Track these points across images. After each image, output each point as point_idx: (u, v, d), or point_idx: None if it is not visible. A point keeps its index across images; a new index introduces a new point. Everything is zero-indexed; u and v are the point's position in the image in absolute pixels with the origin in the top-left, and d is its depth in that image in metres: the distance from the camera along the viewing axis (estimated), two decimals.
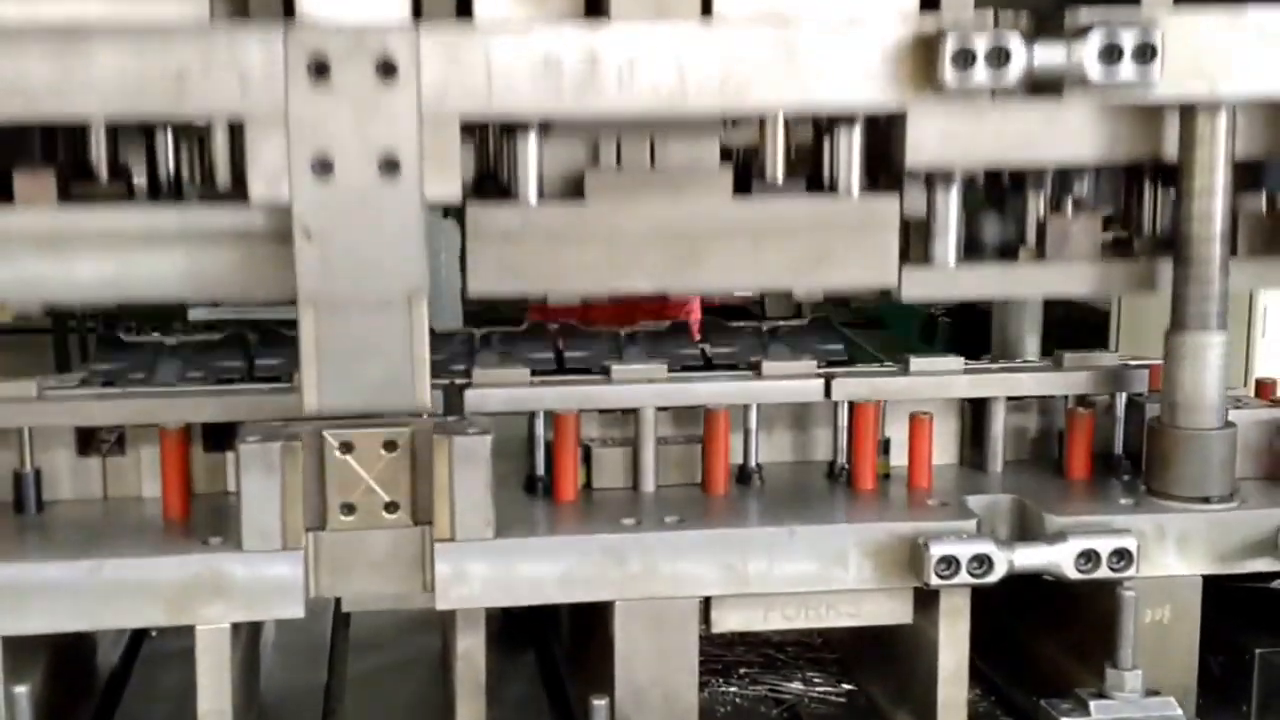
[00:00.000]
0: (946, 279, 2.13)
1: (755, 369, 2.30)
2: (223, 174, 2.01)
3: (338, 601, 2.34)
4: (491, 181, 2.15)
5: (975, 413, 2.40)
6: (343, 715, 2.28)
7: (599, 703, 1.97)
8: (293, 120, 1.83)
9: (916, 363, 2.35)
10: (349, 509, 1.97)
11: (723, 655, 2.48)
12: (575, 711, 2.25)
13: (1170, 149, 2.11)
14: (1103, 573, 2.05)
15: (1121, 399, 2.38)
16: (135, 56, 1.81)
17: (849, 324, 9.22)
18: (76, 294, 1.94)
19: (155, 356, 2.28)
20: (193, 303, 2.07)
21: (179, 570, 1.92)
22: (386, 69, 1.83)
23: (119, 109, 1.85)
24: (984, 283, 2.20)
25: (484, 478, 1.96)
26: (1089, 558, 2.05)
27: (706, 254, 2.04)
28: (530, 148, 1.99)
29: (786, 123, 2.10)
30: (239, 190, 1.92)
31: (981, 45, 1.89)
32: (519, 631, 2.45)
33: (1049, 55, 1.91)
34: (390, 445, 1.97)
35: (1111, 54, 1.92)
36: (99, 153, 2.03)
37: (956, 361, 2.37)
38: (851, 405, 2.26)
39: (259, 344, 2.32)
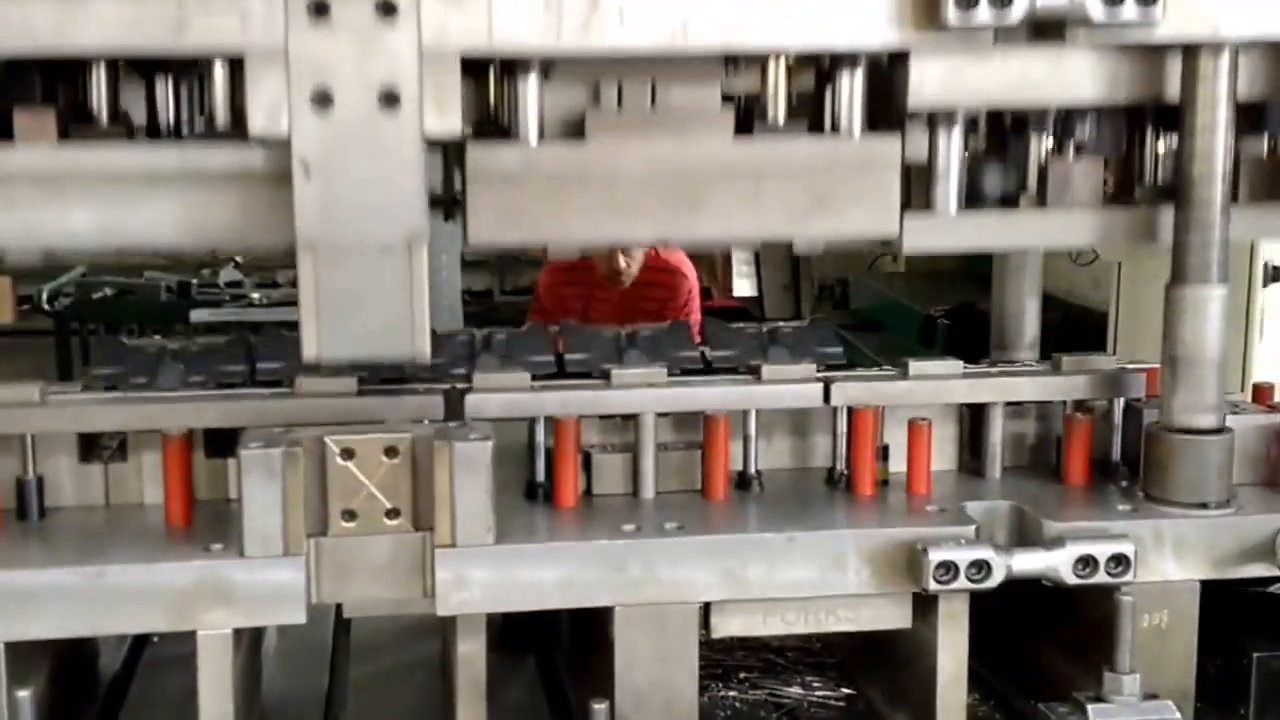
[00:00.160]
0: (947, 227, 2.11)
1: (754, 373, 2.31)
2: (222, 116, 1.97)
3: (338, 607, 2.34)
4: (492, 126, 2.12)
5: (974, 419, 2.41)
6: None
7: (599, 706, 1.98)
8: (293, 57, 1.81)
9: (915, 366, 2.36)
10: (350, 515, 1.98)
11: (722, 660, 2.49)
12: (576, 716, 2.26)
13: (1173, 91, 2.10)
14: (1100, 578, 2.06)
15: (1119, 405, 2.38)
16: None
17: (847, 326, 9.23)
18: (74, 241, 1.91)
19: (157, 360, 2.28)
20: (190, 251, 2.04)
21: (181, 576, 1.93)
22: (387, 8, 1.81)
23: (119, 44, 1.84)
24: (984, 231, 2.17)
25: (485, 484, 1.97)
26: (1086, 563, 2.06)
27: (707, 198, 2.02)
28: (531, 88, 1.97)
29: (788, 68, 2.08)
30: (238, 132, 1.90)
31: None
32: (519, 636, 2.46)
33: None
34: (391, 451, 1.98)
35: None
36: (99, 97, 2.00)
37: (955, 365, 2.38)
38: (850, 411, 2.27)
39: (261, 348, 2.33)
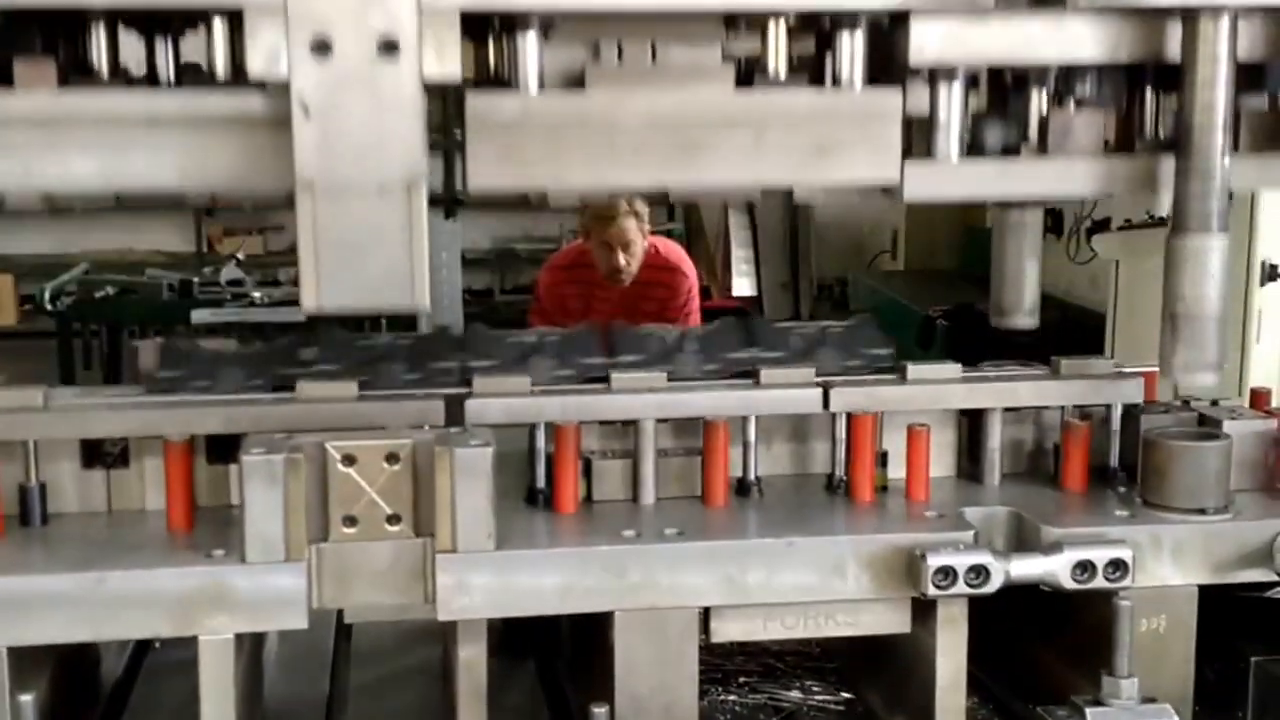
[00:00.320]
0: (949, 174, 2.10)
1: (754, 378, 2.32)
2: (222, 72, 1.95)
3: (339, 613, 2.36)
4: (493, 83, 2.13)
5: (972, 424, 2.42)
6: None
7: (599, 710, 1.99)
8: (291, 8, 1.79)
9: (914, 370, 2.36)
10: (351, 521, 1.99)
11: (722, 664, 2.49)
12: None
13: (1173, 51, 2.09)
14: (1098, 583, 2.06)
15: (1117, 410, 2.39)
16: None
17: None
18: (74, 183, 1.89)
19: (217, 364, 2.30)
20: (189, 193, 2.02)
21: (182, 582, 1.94)
22: None
23: None
24: (985, 180, 2.16)
25: (485, 490, 1.97)
26: (1085, 568, 2.06)
27: (707, 146, 2.01)
28: (530, 42, 1.97)
29: (789, 29, 2.07)
30: (238, 83, 1.90)
31: None
32: (520, 641, 2.47)
33: None
34: (392, 458, 1.99)
35: None
36: (99, 53, 1.98)
37: (954, 369, 2.39)
38: (849, 417, 2.27)
39: (320, 350, 2.34)
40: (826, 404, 2.29)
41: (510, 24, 1.98)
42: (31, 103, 1.87)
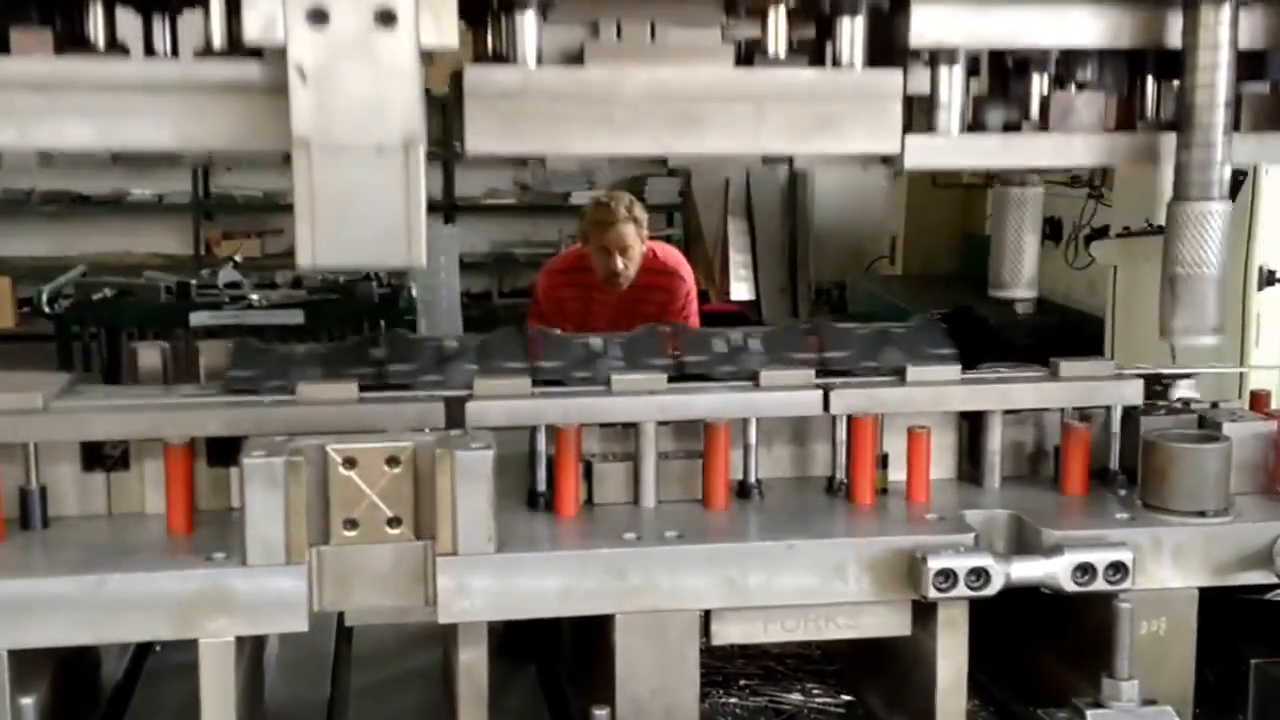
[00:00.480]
0: (949, 146, 2.11)
1: (753, 380, 2.32)
2: (219, 44, 1.95)
3: (340, 616, 2.35)
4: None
5: (972, 426, 2.42)
6: None
7: (600, 713, 1.99)
8: None
9: (914, 372, 2.36)
10: (352, 524, 1.98)
11: (723, 667, 2.49)
12: None
13: (1174, 38, 2.10)
14: (1099, 585, 2.06)
15: (1117, 412, 2.39)
16: None
17: None
18: (70, 142, 1.89)
19: (289, 364, 2.30)
20: (187, 154, 2.01)
21: (183, 585, 1.94)
22: None
23: None
24: (986, 152, 2.17)
25: (486, 493, 1.97)
26: (1085, 571, 2.06)
27: (707, 118, 2.01)
28: (529, 20, 1.97)
29: (789, 12, 2.08)
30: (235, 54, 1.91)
31: None
32: (521, 644, 2.46)
33: None
34: (393, 460, 1.98)
35: None
36: (96, 28, 1.99)
37: (954, 371, 2.39)
38: (850, 419, 2.28)
39: (390, 351, 2.35)
40: (827, 406, 2.29)
41: (509, 4, 1.98)
42: (29, 67, 1.87)
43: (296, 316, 8.52)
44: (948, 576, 2.03)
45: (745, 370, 2.36)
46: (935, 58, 2.09)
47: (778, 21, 2.07)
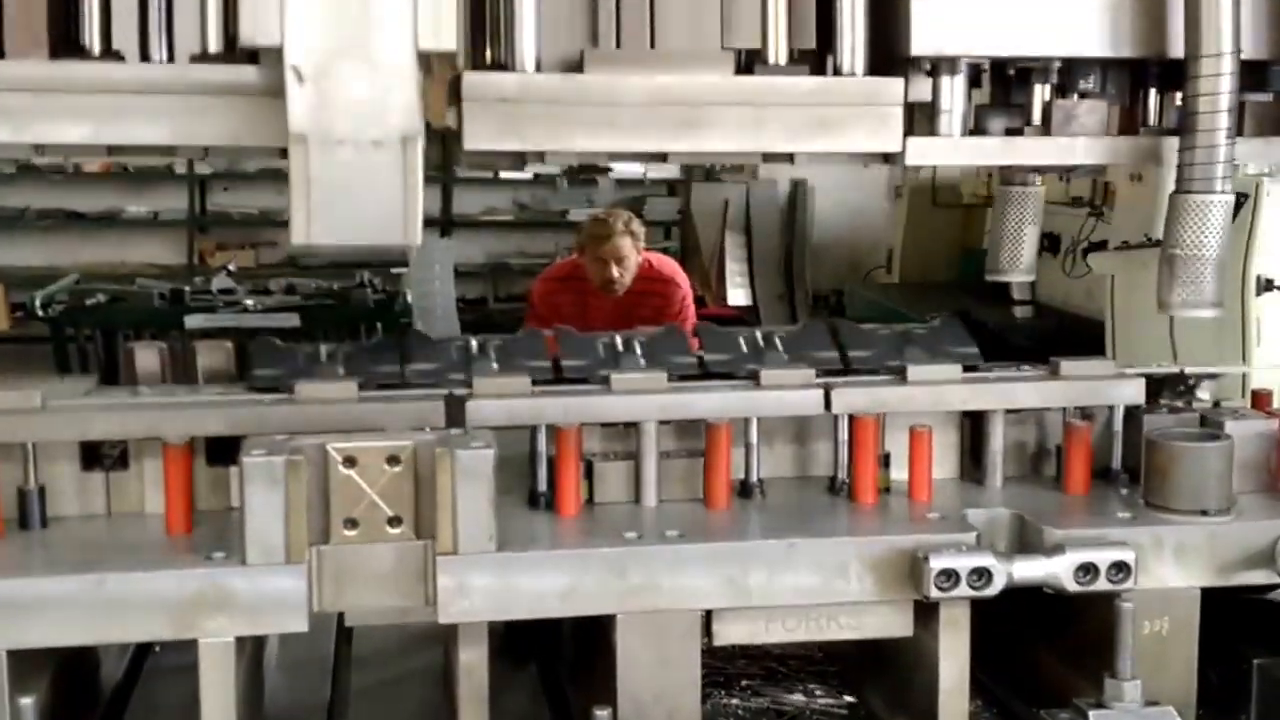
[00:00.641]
0: (951, 145, 2.13)
1: (754, 379, 2.31)
2: (214, 45, 1.97)
3: (340, 617, 2.34)
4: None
5: (974, 426, 2.41)
6: None
7: (602, 713, 1.98)
8: None
9: (914, 371, 2.36)
10: (352, 523, 1.97)
11: (724, 668, 2.48)
12: None
13: (1177, 49, 2.12)
14: (1101, 585, 2.06)
15: (1119, 411, 2.39)
16: None
17: None
18: (66, 137, 1.90)
19: (313, 362, 2.30)
20: (182, 149, 2.01)
21: (183, 584, 1.93)
22: None
23: None
24: (989, 151, 2.19)
25: (487, 492, 1.97)
26: (1087, 570, 2.06)
27: (708, 121, 2.03)
28: (528, 15, 1.98)
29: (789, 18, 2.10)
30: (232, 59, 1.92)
31: None
32: (521, 645, 2.45)
33: None
34: (393, 459, 1.98)
35: None
36: (91, 31, 1.98)
37: (955, 370, 2.38)
38: (852, 418, 2.27)
39: (414, 349, 2.34)
40: (828, 406, 2.28)
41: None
42: (23, 69, 1.87)
43: (292, 319, 8.49)
44: (950, 576, 2.02)
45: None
46: (936, 67, 2.10)
47: (777, 29, 2.07)
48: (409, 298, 9.36)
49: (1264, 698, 2.25)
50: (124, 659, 2.40)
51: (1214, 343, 6.09)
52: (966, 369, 2.40)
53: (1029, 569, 2.06)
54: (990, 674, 2.36)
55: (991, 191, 7.85)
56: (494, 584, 1.99)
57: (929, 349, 2.42)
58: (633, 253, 6.48)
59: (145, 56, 2.04)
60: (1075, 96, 2.21)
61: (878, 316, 9.44)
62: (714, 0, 2.10)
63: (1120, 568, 2.06)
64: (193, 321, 8.53)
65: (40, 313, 8.93)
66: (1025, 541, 2.20)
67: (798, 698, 2.42)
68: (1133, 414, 2.39)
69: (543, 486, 2.22)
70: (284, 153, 1.87)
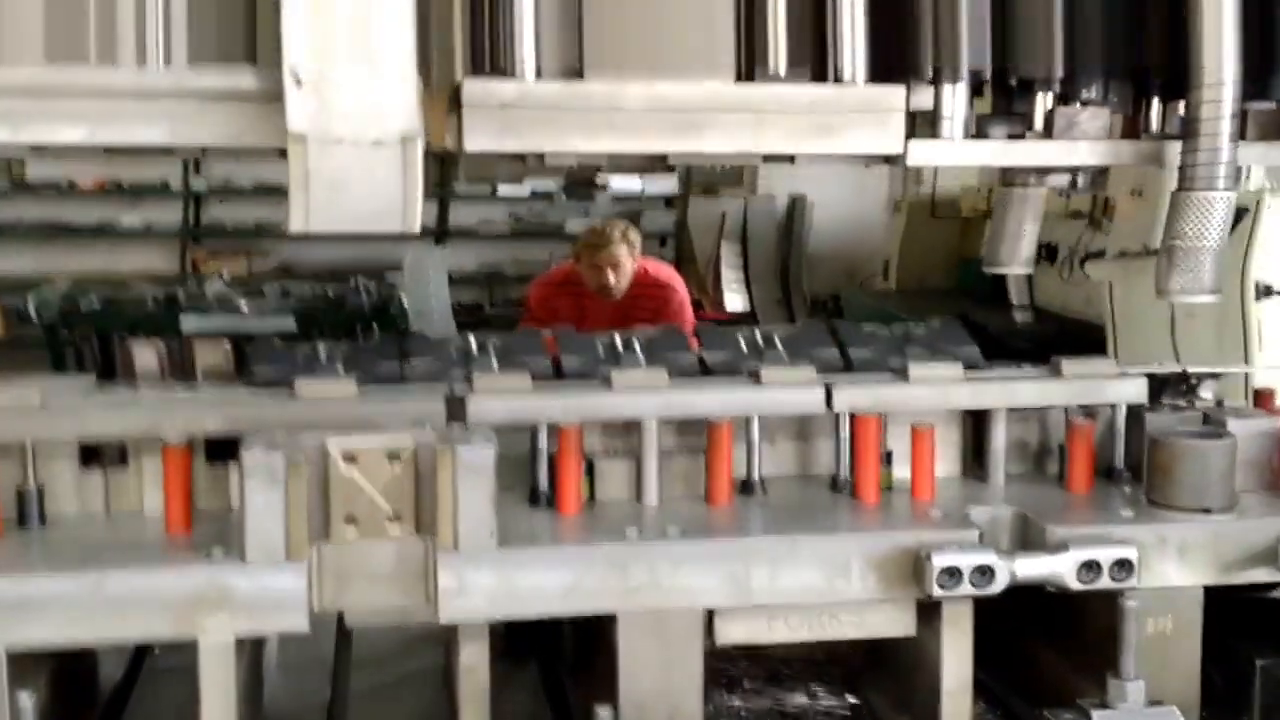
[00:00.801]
0: (951, 147, 2.13)
1: (755, 377, 2.31)
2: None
3: (340, 618, 2.33)
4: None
5: (976, 424, 2.41)
6: None
7: (604, 712, 1.96)
8: None
9: (917, 370, 2.35)
10: (352, 521, 1.96)
11: (727, 669, 2.47)
12: None
13: (1178, 59, 2.14)
14: (1104, 583, 2.05)
15: (1122, 410, 2.38)
16: None
17: None
18: (63, 137, 1.90)
19: (313, 360, 2.29)
20: (180, 148, 2.01)
21: (182, 582, 1.91)
22: None
23: None
24: (991, 152, 2.20)
25: (488, 488, 1.96)
26: (1090, 568, 2.05)
27: (708, 125, 2.03)
28: (527, 23, 1.99)
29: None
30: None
31: None
32: (521, 645, 2.44)
33: None
34: (394, 456, 1.97)
35: None
36: (88, 36, 1.95)
37: (957, 369, 2.38)
38: (854, 417, 2.26)
39: (414, 347, 2.33)
40: (829, 404, 2.28)
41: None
42: (23, 75, 1.88)
43: (288, 322, 8.45)
44: (952, 574, 2.02)
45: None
46: (938, 75, 2.10)
47: (776, 20, 2.07)
48: (404, 302, 9.35)
49: (1267, 699, 2.24)
50: (122, 660, 2.38)
51: (1216, 347, 6.10)
52: (968, 368, 2.39)
53: (1032, 567, 2.05)
54: (992, 674, 2.34)
55: (991, 205, 7.86)
56: (495, 581, 1.98)
57: (930, 348, 2.41)
58: (629, 260, 6.50)
59: (143, 60, 2.03)
60: (1078, 105, 2.21)
61: (876, 321, 9.45)
62: (714, 8, 2.10)
63: (1123, 565, 2.05)
64: (188, 324, 8.47)
65: (34, 316, 8.88)
66: (1028, 539, 2.19)
67: (800, 699, 2.41)
68: (1135, 412, 2.39)
69: (544, 484, 2.21)
70: (283, 153, 1.87)
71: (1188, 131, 2.14)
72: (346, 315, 8.88)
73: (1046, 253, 7.93)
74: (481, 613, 2.00)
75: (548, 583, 2.00)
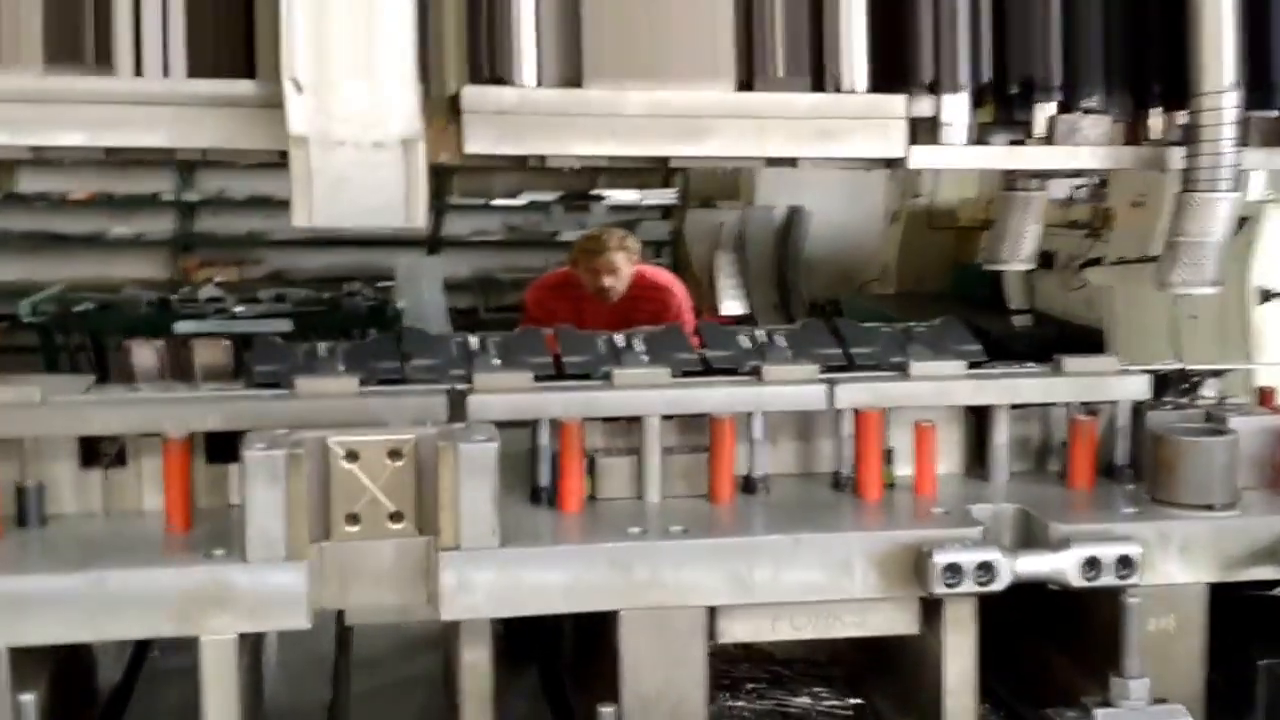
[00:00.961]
0: (953, 151, 2.14)
1: (757, 375, 2.30)
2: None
3: (341, 618, 2.32)
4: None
5: (979, 421, 2.40)
6: None
7: (606, 711, 1.96)
8: None
9: (919, 367, 2.35)
10: (354, 519, 1.96)
11: (729, 670, 2.46)
12: None
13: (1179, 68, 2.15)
14: (1107, 580, 2.04)
15: (1124, 406, 2.38)
16: None
17: None
18: (63, 141, 1.90)
19: (313, 358, 2.28)
20: (180, 151, 2.01)
21: (183, 581, 1.90)
22: None
23: None
24: (993, 156, 2.21)
25: (489, 486, 1.95)
26: (1093, 565, 2.04)
27: (710, 131, 2.04)
28: (526, 30, 1.99)
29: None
30: None
31: None
32: (522, 645, 2.44)
33: None
34: (395, 454, 1.96)
35: None
36: (87, 43, 1.96)
37: (959, 365, 2.37)
38: (856, 414, 2.26)
39: (415, 345, 2.33)
40: (832, 401, 2.27)
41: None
42: (22, 83, 1.88)
43: (284, 324, 8.45)
44: (955, 571, 2.01)
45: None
46: (939, 83, 2.10)
47: (775, 26, 2.07)
48: (400, 305, 9.36)
49: (1270, 699, 2.23)
50: (122, 660, 2.38)
51: (1218, 348, 6.11)
52: (970, 366, 2.38)
53: (1034, 564, 2.05)
54: (994, 673, 2.34)
55: (990, 215, 7.93)
56: (496, 580, 1.97)
57: (931, 346, 2.41)
58: (626, 265, 6.53)
59: (140, 69, 2.04)
60: (1079, 113, 2.22)
61: (877, 310, 9.46)
62: (714, 16, 2.10)
63: (1126, 562, 2.05)
64: (183, 327, 8.49)
65: (30, 313, 8.87)
66: (1030, 536, 2.19)
67: (803, 700, 2.40)
68: (1138, 409, 2.39)
69: (545, 482, 2.20)
70: (283, 155, 1.87)
71: (1190, 136, 2.15)
72: (343, 317, 8.89)
73: (1044, 260, 7.96)
74: (483, 610, 1.99)
75: (550, 581, 1.99)
